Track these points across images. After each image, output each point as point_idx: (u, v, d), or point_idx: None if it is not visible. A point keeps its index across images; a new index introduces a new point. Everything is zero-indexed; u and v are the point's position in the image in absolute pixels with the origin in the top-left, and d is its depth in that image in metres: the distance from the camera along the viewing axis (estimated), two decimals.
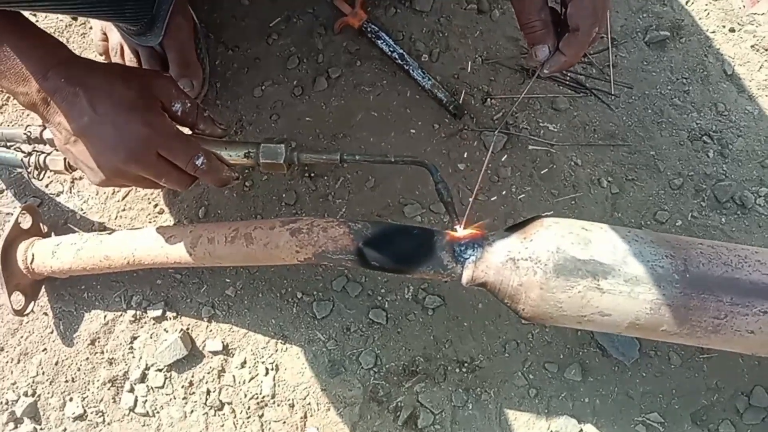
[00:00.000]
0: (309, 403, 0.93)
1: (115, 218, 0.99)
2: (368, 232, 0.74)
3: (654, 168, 0.99)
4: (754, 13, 1.04)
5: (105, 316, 0.96)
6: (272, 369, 0.94)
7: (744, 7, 1.05)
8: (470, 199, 0.92)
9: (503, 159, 0.99)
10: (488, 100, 1.01)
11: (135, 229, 0.87)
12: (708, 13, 1.05)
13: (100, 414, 0.94)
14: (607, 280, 0.68)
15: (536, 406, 0.93)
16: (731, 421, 0.91)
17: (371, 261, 0.73)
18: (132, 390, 0.95)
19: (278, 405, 0.93)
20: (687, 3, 1.05)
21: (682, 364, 0.93)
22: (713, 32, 1.04)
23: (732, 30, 1.04)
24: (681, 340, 0.72)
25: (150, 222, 0.99)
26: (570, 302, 0.69)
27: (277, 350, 0.95)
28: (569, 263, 0.68)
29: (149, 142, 0.66)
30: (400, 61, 0.99)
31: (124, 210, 0.99)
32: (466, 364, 0.94)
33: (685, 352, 0.93)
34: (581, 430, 0.92)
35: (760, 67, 1.02)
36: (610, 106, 1.01)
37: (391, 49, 1.00)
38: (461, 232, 0.74)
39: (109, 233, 0.87)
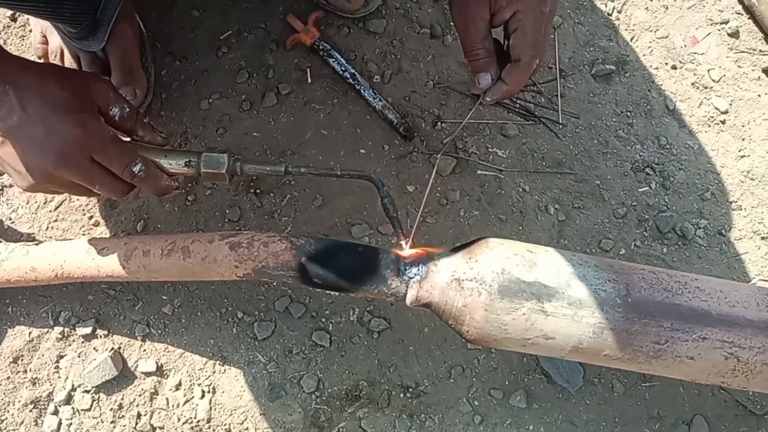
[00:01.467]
0: (246, 429, 0.89)
1: (46, 229, 0.94)
2: (311, 248, 0.72)
3: (599, 197, 1.01)
4: (695, 53, 1.09)
5: (30, 333, 0.91)
6: (209, 392, 0.90)
7: (685, 46, 1.09)
8: (418, 217, 0.91)
9: (452, 183, 0.99)
10: (438, 123, 1.01)
11: (65, 240, 0.82)
12: (651, 50, 1.08)
13: None
14: (552, 303, 0.67)
15: None
16: None
17: (313, 278, 0.71)
18: (56, 412, 0.89)
19: (213, 430, 0.89)
20: (632, 39, 1.09)
21: (625, 392, 0.93)
22: (656, 68, 1.08)
23: (674, 67, 1.08)
24: (623, 365, 0.72)
25: (84, 234, 0.94)
26: (514, 324, 0.68)
27: (214, 372, 0.91)
28: (514, 285, 0.67)
29: (82, 145, 0.63)
30: (351, 80, 0.99)
31: (56, 221, 0.94)
32: (410, 389, 0.92)
33: (627, 380, 0.93)
34: None
35: (700, 104, 1.06)
36: (557, 135, 1.02)
37: (343, 68, 0.99)
38: (406, 251, 0.72)
39: (37, 244, 0.82)
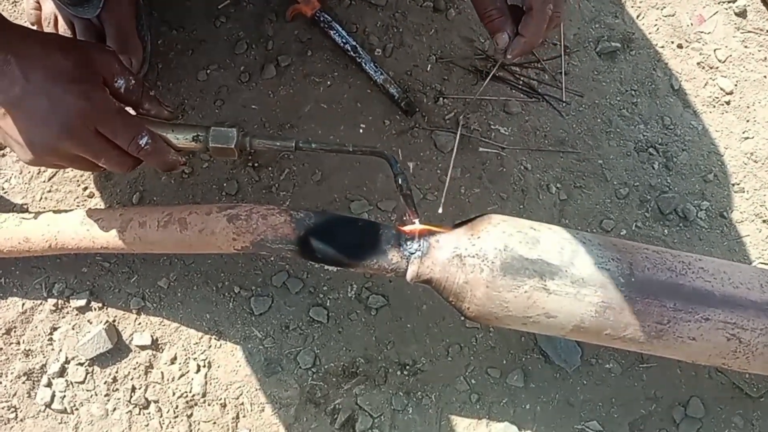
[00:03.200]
0: (242, 403, 0.89)
1: (40, 200, 0.92)
2: (311, 221, 0.70)
3: (601, 177, 0.99)
4: (701, 32, 1.07)
5: (23, 304, 0.89)
6: (204, 366, 0.89)
7: (692, 24, 1.07)
8: (445, 190, 0.90)
9: (453, 159, 0.97)
10: (441, 99, 0.99)
11: (60, 211, 0.80)
12: (658, 29, 1.07)
13: (12, 409, 0.87)
14: (554, 281, 0.67)
15: (477, 411, 0.91)
16: (668, 431, 0.91)
17: (313, 252, 0.70)
18: (49, 384, 0.88)
19: (209, 404, 0.88)
20: (638, 17, 1.07)
21: (622, 372, 0.93)
22: (662, 47, 1.06)
23: (680, 46, 1.06)
24: (625, 345, 0.71)
25: (78, 206, 0.92)
26: (516, 302, 0.67)
27: (210, 346, 0.90)
28: (516, 262, 0.67)
29: (87, 117, 0.61)
30: (352, 53, 0.97)
31: (49, 191, 0.92)
32: (407, 367, 0.91)
33: (625, 360, 0.93)
34: None
35: (705, 84, 1.05)
36: (561, 113, 1.01)
37: (344, 40, 0.97)
38: (407, 226, 0.71)
39: (31, 214, 0.81)
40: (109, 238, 0.75)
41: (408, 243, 0.70)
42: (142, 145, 0.65)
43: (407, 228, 0.71)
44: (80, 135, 0.61)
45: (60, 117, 0.60)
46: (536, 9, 0.67)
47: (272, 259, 0.92)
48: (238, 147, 0.70)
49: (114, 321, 0.90)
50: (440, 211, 0.72)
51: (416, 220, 0.71)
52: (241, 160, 0.94)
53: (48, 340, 0.89)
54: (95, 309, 0.90)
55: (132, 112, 0.68)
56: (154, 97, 0.69)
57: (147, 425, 0.87)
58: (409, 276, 0.70)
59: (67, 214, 0.79)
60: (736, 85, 1.05)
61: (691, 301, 0.68)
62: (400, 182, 0.71)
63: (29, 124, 0.61)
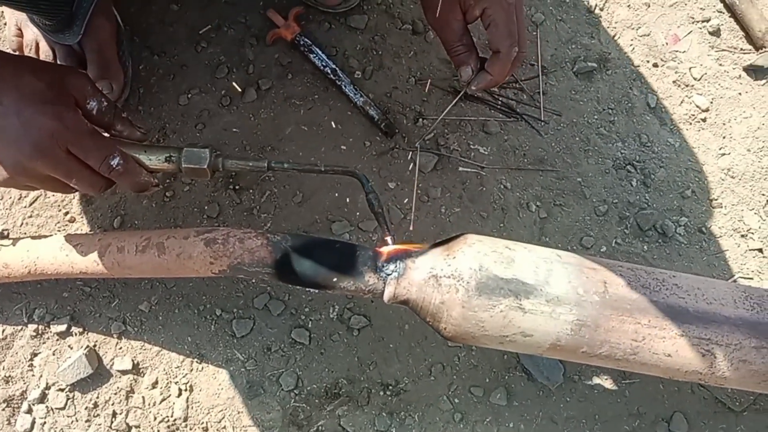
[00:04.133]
0: (224, 427, 0.88)
1: (21, 225, 0.92)
2: (288, 244, 0.71)
3: (581, 194, 1.00)
4: (676, 51, 1.09)
5: (3, 330, 0.89)
6: (186, 390, 0.89)
7: (667, 44, 1.09)
8: (411, 211, 0.91)
9: (433, 179, 0.98)
10: (420, 120, 1.00)
11: (39, 237, 0.81)
12: (633, 48, 1.08)
13: None
14: (530, 300, 0.67)
15: (461, 430, 0.90)
16: None
17: (290, 275, 0.70)
18: (30, 411, 0.87)
19: (190, 429, 0.88)
20: (614, 37, 1.09)
21: (605, 389, 0.93)
22: (638, 66, 1.08)
23: (655, 65, 1.08)
24: (601, 362, 0.71)
25: (59, 231, 0.92)
26: (492, 322, 0.67)
27: (192, 370, 0.90)
28: (492, 282, 0.67)
29: (58, 137, 0.61)
30: (332, 76, 0.98)
31: (30, 216, 0.93)
32: (390, 387, 0.91)
33: (608, 377, 0.93)
34: None
35: (681, 102, 1.06)
36: (539, 132, 1.02)
37: (324, 63, 0.98)
38: (384, 248, 0.72)
39: (10, 240, 0.81)
40: (88, 263, 0.76)
41: (384, 264, 0.70)
42: (114, 166, 0.65)
43: (384, 249, 0.72)
44: (52, 155, 0.62)
45: (31, 137, 0.60)
46: (503, 52, 0.70)
47: (253, 281, 0.92)
48: (211, 167, 0.71)
49: (95, 346, 0.89)
50: (411, 228, 0.73)
51: (389, 238, 0.72)
52: (221, 184, 0.95)
53: (28, 366, 0.89)
54: (76, 334, 0.90)
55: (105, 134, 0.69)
56: (127, 119, 0.70)
57: None
58: (386, 297, 0.70)
59: (46, 240, 0.79)
60: (711, 103, 1.06)
61: (665, 317, 0.68)
62: (372, 201, 0.72)
63: (1, 145, 0.61)
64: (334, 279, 0.70)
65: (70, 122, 0.63)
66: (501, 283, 0.67)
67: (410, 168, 0.97)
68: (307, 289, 0.87)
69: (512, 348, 0.71)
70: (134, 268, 0.75)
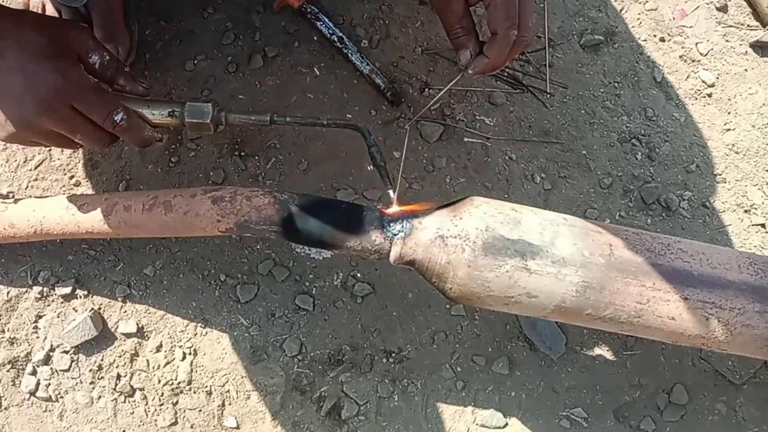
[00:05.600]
0: (228, 391, 0.89)
1: (26, 188, 0.92)
2: (295, 203, 0.71)
3: (585, 167, 1.01)
4: (683, 26, 1.08)
5: (8, 292, 0.89)
6: (190, 354, 0.89)
7: (674, 18, 1.09)
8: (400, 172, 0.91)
9: (439, 149, 0.98)
10: (426, 90, 1.00)
11: (45, 197, 0.81)
12: (640, 22, 1.08)
13: None
14: (535, 261, 0.67)
15: (463, 398, 0.91)
16: (652, 417, 0.92)
17: (296, 233, 0.70)
18: (34, 372, 0.88)
19: (194, 392, 0.88)
20: (621, 11, 1.08)
21: (607, 360, 0.93)
22: (645, 40, 1.07)
23: (662, 39, 1.07)
24: (605, 325, 0.72)
25: (64, 194, 0.92)
26: (497, 282, 0.68)
27: (196, 334, 0.90)
28: (498, 242, 0.67)
29: (62, 93, 0.61)
30: (339, 44, 0.98)
31: (36, 180, 0.92)
32: (393, 355, 0.91)
33: (609, 348, 0.94)
34: (507, 423, 0.91)
35: (687, 77, 1.06)
36: (545, 104, 1.02)
37: (331, 31, 0.98)
38: (391, 208, 0.72)
39: (15, 201, 0.81)
40: (94, 223, 0.76)
41: (391, 224, 0.70)
42: (118, 121, 0.65)
43: (390, 210, 0.72)
44: (56, 111, 0.62)
45: (35, 93, 0.60)
46: (500, 35, 0.68)
47: (258, 246, 0.92)
48: (214, 122, 0.71)
49: (99, 309, 0.90)
50: (394, 195, 0.72)
51: (391, 191, 0.72)
52: (227, 149, 0.95)
53: (33, 328, 0.89)
54: (80, 297, 0.90)
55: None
56: (129, 73, 0.69)
57: (132, 413, 0.87)
58: (392, 257, 0.70)
59: (51, 199, 0.79)
60: (717, 78, 1.06)
61: (670, 280, 0.69)
62: (374, 154, 0.72)
63: (5, 101, 0.61)
64: (340, 238, 0.70)
65: (73, 78, 0.62)
66: (507, 244, 0.67)
67: (406, 138, 0.97)
68: (313, 248, 0.88)
69: (517, 310, 0.71)
70: (141, 227, 0.75)
